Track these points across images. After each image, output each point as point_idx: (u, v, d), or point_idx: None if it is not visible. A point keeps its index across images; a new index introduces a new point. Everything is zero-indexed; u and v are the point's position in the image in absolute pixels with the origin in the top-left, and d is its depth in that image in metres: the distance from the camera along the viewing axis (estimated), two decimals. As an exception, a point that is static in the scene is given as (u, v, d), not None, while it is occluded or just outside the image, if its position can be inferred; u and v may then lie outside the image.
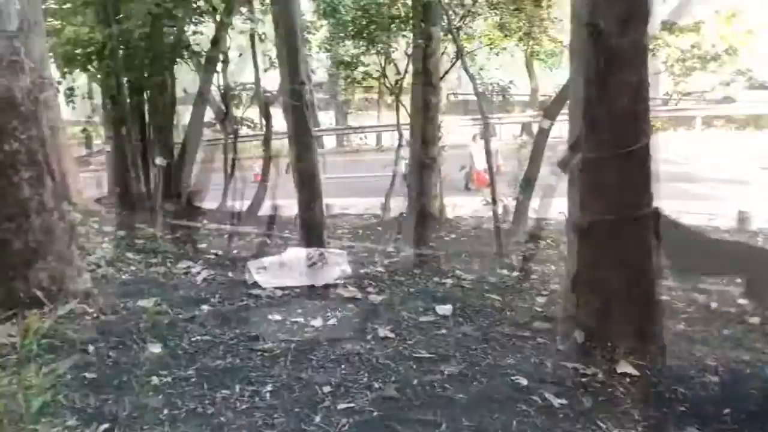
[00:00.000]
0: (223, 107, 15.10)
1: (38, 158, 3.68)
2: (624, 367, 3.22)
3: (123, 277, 4.72)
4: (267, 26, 15.40)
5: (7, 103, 3.50)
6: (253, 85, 14.40)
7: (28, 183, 3.62)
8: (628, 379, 3.12)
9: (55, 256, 3.75)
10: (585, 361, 3.30)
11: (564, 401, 2.84)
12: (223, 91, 14.36)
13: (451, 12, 9.66)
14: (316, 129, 6.44)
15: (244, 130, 16.20)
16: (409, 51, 12.07)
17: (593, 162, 3.49)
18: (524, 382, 3.04)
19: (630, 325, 3.52)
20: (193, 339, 3.50)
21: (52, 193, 3.77)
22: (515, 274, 6.35)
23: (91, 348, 3.24)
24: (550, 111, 10.15)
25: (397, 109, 13.61)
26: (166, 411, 2.69)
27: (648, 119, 3.51)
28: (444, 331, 3.82)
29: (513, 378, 3.08)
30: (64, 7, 13.64)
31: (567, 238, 3.84)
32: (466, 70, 8.49)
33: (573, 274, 3.68)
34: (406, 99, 12.94)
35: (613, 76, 3.37)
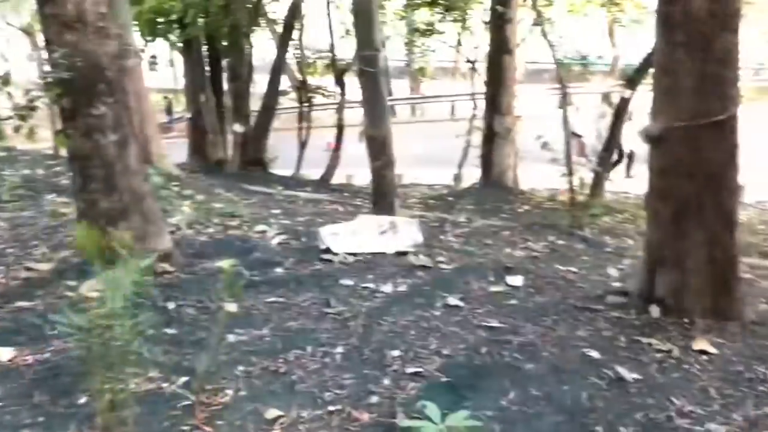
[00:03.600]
0: (298, 75, 15.28)
1: (123, 122, 3.82)
2: (701, 344, 3.11)
3: (202, 239, 4.88)
4: (343, -6, 15.41)
5: (95, 68, 3.64)
6: (329, 53, 14.49)
7: (115, 145, 3.77)
8: (705, 357, 3.02)
9: (139, 217, 3.91)
10: (660, 336, 3.21)
11: (637, 376, 2.78)
12: (298, 59, 14.52)
13: (530, -23, 9.36)
14: (390, 97, 6.42)
15: (318, 98, 16.37)
16: (486, 18, 11.83)
17: (675, 132, 3.34)
18: (596, 355, 2.99)
19: (708, 296, 3.39)
20: (267, 300, 3.60)
21: (136, 156, 3.92)
22: (589, 246, 6.20)
23: (171, 305, 3.39)
24: (631, 80, 9.77)
25: (473, 78, 13.43)
26: (241, 367, 2.79)
27: (737, 87, 3.33)
28: (514, 301, 3.79)
29: (585, 350, 3.03)
30: (148, -24, 13.99)
31: (646, 209, 3.71)
32: (545, 37, 8.25)
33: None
34: (482, 68, 12.74)
35: (702, 41, 3.20)
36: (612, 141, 9.73)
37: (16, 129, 3.13)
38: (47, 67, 3.76)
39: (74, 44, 3.53)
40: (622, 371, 2.81)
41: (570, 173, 7.25)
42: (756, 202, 12.01)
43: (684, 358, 2.99)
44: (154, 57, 16.34)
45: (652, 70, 3.97)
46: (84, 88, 3.61)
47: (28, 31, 15.13)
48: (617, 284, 4.44)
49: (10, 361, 2.67)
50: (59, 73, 3.26)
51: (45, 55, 3.84)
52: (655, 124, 3.43)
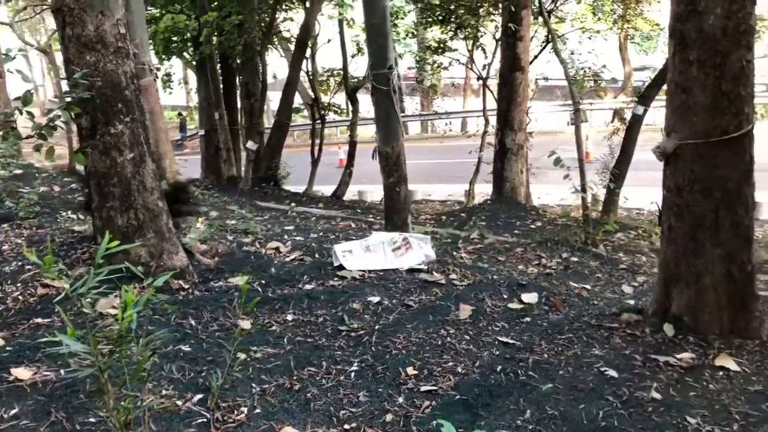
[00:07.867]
0: (311, 93, 15.38)
1: (140, 140, 3.87)
2: (722, 361, 3.08)
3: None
4: (355, 12, 15.55)
5: (114, 87, 3.70)
6: (341, 71, 14.60)
7: (131, 163, 3.82)
8: (723, 375, 2.99)
9: (154, 234, 3.94)
10: (677, 355, 3.18)
11: (654, 394, 2.75)
12: (311, 77, 14.64)
13: (542, -6, 9.41)
14: (402, 114, 6.45)
15: (330, 116, 16.46)
16: (498, 35, 11.89)
17: (690, 148, 3.33)
18: (612, 373, 2.96)
19: (725, 313, 3.36)
20: (281, 317, 3.61)
21: (152, 174, 3.96)
22: (603, 263, 6.17)
23: (186, 322, 3.40)
24: (644, 96, 9.78)
25: (484, 95, 13.47)
26: (255, 385, 2.79)
27: (752, 104, 3.32)
28: (529, 318, 3.78)
29: (600, 369, 3.01)
30: (163, -5, 14.19)
31: (661, 226, 3.69)
32: (557, 54, 8.27)
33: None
34: (493, 84, 12.77)
35: (716, 59, 3.20)
36: (625, 157, 9.72)
37: (37, 148, 3.17)
38: (65, 87, 3.82)
39: (94, 64, 3.59)
40: (639, 390, 2.78)
41: (584, 190, 7.23)
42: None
43: (701, 376, 2.96)
44: (168, 75, 16.53)
45: (665, 87, 3.96)
46: (103, 107, 3.67)
47: (45, 51, 15.37)
48: (632, 302, 4.42)
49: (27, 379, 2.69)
50: (79, 92, 3.32)
51: (63, 74, 3.89)
52: (669, 141, 3.42)
